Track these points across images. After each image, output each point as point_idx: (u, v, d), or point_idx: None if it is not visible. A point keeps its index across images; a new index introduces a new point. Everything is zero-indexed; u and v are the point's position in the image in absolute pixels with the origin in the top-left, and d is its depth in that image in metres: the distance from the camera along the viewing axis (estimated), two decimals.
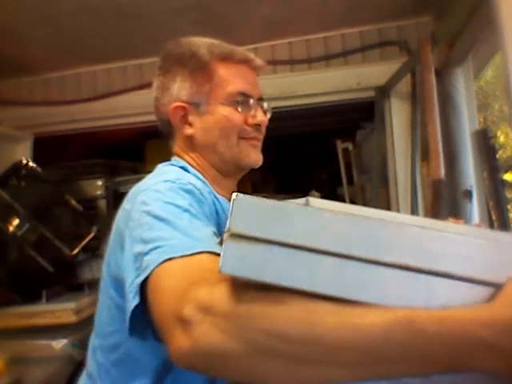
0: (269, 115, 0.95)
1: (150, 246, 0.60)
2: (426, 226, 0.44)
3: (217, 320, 0.46)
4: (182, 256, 0.57)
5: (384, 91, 2.12)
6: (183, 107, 0.86)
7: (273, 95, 2.25)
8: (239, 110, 0.85)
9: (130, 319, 0.61)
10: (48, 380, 1.72)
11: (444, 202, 1.47)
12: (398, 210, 2.09)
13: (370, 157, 2.59)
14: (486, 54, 1.87)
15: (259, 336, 0.44)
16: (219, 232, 0.75)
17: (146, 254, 0.60)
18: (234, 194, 0.44)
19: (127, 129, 2.51)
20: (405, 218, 0.98)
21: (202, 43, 0.87)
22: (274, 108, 2.60)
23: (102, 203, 2.54)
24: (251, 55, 0.89)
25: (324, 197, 3.55)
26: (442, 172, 1.40)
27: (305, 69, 2.27)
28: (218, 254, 0.54)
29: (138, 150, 3.08)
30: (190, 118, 0.86)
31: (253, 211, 0.43)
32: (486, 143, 1.74)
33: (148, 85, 2.74)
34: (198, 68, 0.85)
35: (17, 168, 2.26)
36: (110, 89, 2.37)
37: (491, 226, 1.76)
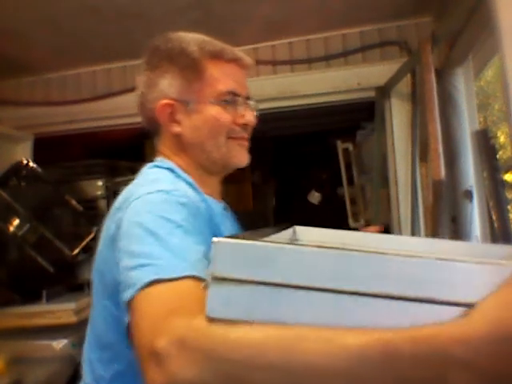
0: (256, 114, 0.93)
1: (138, 261, 0.60)
2: (412, 250, 0.44)
3: (192, 354, 0.45)
4: (167, 279, 0.56)
5: (384, 91, 2.12)
6: (171, 105, 0.84)
7: (273, 95, 2.25)
8: (228, 109, 0.85)
9: (126, 332, 0.60)
10: (48, 380, 1.72)
11: (444, 202, 1.47)
12: (398, 210, 2.09)
13: (370, 157, 2.59)
14: (486, 54, 1.87)
15: (236, 369, 0.43)
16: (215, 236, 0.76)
17: (133, 268, 0.59)
18: (215, 239, 0.44)
19: (127, 129, 2.51)
20: (399, 240, 0.99)
21: (191, 39, 0.86)
22: (273, 108, 2.61)
23: (102, 203, 2.54)
24: (240, 54, 0.88)
25: (324, 197, 3.54)
26: (443, 172, 1.40)
27: (305, 69, 2.27)
28: (203, 279, 0.54)
29: (137, 150, 3.08)
30: (178, 116, 0.85)
31: (234, 254, 0.43)
32: (486, 143, 1.74)
33: None
34: (189, 65, 0.84)
35: (17, 168, 2.26)
36: (109, 89, 2.37)
37: (491, 226, 1.76)
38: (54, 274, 2.01)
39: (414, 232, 1.99)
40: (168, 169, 0.83)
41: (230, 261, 0.43)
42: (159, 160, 0.88)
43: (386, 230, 2.29)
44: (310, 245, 0.44)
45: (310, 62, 2.27)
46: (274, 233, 0.71)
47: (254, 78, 2.30)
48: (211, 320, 0.44)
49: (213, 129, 0.84)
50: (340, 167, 3.13)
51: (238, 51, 0.88)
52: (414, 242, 0.99)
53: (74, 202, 2.22)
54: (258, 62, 2.31)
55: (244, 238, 0.45)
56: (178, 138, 0.86)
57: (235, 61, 0.87)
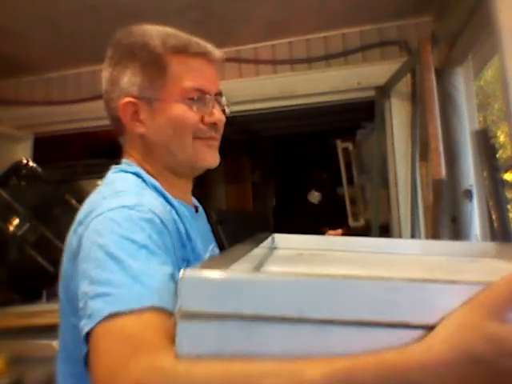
0: (227, 111, 0.87)
1: (97, 289, 0.56)
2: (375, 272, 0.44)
3: None
4: (127, 312, 0.53)
5: (384, 91, 2.12)
6: (134, 103, 0.79)
7: (273, 95, 2.25)
8: (194, 107, 0.79)
9: (85, 362, 0.56)
10: (48, 380, 1.72)
11: (444, 201, 1.47)
12: (397, 210, 2.09)
13: (370, 157, 2.59)
14: (486, 53, 1.87)
15: None
16: (183, 245, 0.72)
17: (92, 298, 0.56)
18: (181, 272, 0.42)
19: None
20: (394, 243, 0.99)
21: (154, 33, 0.79)
22: (273, 108, 2.61)
23: None
24: (209, 47, 0.82)
25: (324, 197, 3.54)
26: (443, 172, 1.40)
27: (305, 69, 2.27)
28: (167, 310, 0.53)
29: None
30: (142, 116, 0.79)
31: (201, 287, 0.42)
32: (486, 143, 1.74)
33: None
34: (150, 61, 0.78)
35: (17, 168, 2.26)
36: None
37: (491, 225, 1.76)
38: (53, 273, 2.01)
39: (413, 231, 1.99)
40: (134, 173, 0.78)
41: (197, 295, 0.42)
42: (125, 163, 0.83)
43: (386, 229, 2.29)
44: (277, 274, 0.43)
45: (309, 61, 2.27)
46: (251, 247, 0.69)
47: (253, 78, 2.30)
48: (180, 357, 0.42)
49: (178, 129, 0.78)
50: (340, 167, 3.13)
51: (207, 44, 0.82)
52: (402, 244, 0.99)
53: (73, 202, 2.22)
54: (258, 62, 2.31)
55: (212, 266, 0.44)
56: (142, 138, 0.81)
57: (202, 55, 0.81)
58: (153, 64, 0.78)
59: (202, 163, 0.83)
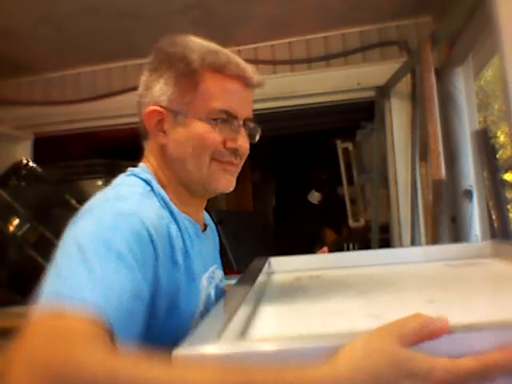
0: (257, 137, 0.87)
1: (56, 282, 0.55)
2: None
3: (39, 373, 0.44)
4: (68, 311, 0.51)
5: (384, 91, 2.12)
6: (160, 112, 0.78)
7: (273, 95, 2.25)
8: (217, 129, 0.77)
9: None
10: None
11: (444, 201, 1.47)
12: (397, 210, 2.09)
13: (369, 157, 2.59)
14: (486, 53, 1.87)
15: None
16: (174, 262, 0.70)
17: (49, 289, 0.55)
18: (174, 352, 0.42)
19: (127, 128, 2.51)
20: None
21: (196, 47, 0.79)
22: (273, 108, 2.60)
23: None
24: (249, 71, 0.80)
25: (324, 197, 3.54)
26: (443, 172, 1.40)
27: (305, 69, 2.27)
28: (107, 326, 0.51)
29: (137, 149, 3.08)
30: (166, 126, 0.79)
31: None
32: (486, 143, 1.74)
33: None
34: (185, 74, 0.77)
35: (17, 168, 2.26)
36: (109, 89, 2.37)
37: (491, 225, 1.76)
38: None
39: (413, 231, 1.99)
40: (145, 180, 0.77)
41: None
42: (141, 167, 0.82)
43: (386, 229, 2.29)
44: (270, 343, 0.43)
45: (309, 61, 2.27)
46: (249, 285, 0.69)
47: None
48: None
49: (197, 147, 0.77)
50: (340, 167, 3.14)
51: (248, 68, 0.80)
52: (396, 254, 1.00)
53: (73, 202, 2.22)
54: (258, 62, 2.31)
55: (202, 337, 0.44)
56: (162, 148, 0.80)
57: (240, 78, 0.79)
58: (187, 77, 0.77)
59: (215, 186, 0.81)
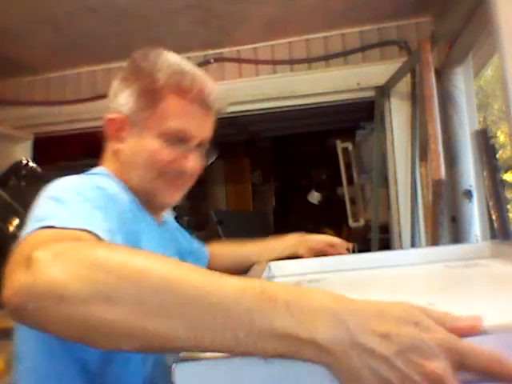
0: (211, 160, 0.90)
1: (36, 219, 0.55)
2: None
3: (66, 262, 0.42)
4: (60, 228, 0.52)
5: (384, 91, 2.12)
6: (121, 120, 0.82)
7: (272, 95, 2.25)
8: (169, 148, 0.79)
9: None
10: None
11: (444, 201, 1.47)
12: (397, 210, 2.09)
13: (369, 157, 2.59)
14: (486, 53, 1.87)
15: (105, 276, 0.41)
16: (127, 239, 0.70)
17: (29, 226, 0.54)
18: (173, 364, 0.41)
19: None
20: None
21: (165, 66, 0.80)
22: (273, 108, 2.60)
23: None
24: (210, 98, 0.82)
25: (324, 197, 3.54)
26: (443, 172, 1.40)
27: (305, 69, 2.27)
28: (95, 233, 0.53)
29: None
30: (123, 134, 0.82)
31: (195, 377, 0.41)
32: (486, 143, 1.74)
33: None
34: (149, 90, 0.80)
35: (17, 168, 2.26)
36: (109, 88, 2.37)
37: (491, 225, 1.76)
38: None
39: (413, 231, 1.99)
40: (105, 175, 0.80)
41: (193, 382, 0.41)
42: (99, 169, 0.85)
43: (386, 229, 2.29)
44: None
45: (309, 61, 2.27)
46: None
47: (253, 78, 2.30)
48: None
49: (146, 162, 0.80)
50: (340, 167, 3.14)
51: (211, 93, 0.82)
52: (393, 256, 1.00)
53: None
54: (258, 62, 2.31)
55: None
56: (117, 154, 0.83)
57: (201, 102, 0.81)
58: (149, 94, 0.80)
59: (158, 200, 0.84)
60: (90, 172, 0.82)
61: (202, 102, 0.81)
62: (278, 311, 0.39)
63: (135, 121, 0.81)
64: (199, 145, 0.84)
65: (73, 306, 0.40)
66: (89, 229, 0.53)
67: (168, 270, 0.42)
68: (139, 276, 0.41)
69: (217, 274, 0.43)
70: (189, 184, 0.87)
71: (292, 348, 0.39)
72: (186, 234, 1.09)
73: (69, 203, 0.59)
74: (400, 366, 0.37)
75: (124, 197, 0.75)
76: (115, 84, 0.86)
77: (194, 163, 0.83)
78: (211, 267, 1.11)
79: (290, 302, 0.40)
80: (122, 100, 0.82)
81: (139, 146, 0.80)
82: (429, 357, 0.37)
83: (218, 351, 0.40)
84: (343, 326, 0.38)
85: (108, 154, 0.86)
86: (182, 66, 0.82)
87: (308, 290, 0.42)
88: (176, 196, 0.85)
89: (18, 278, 0.43)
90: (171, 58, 0.83)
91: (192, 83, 0.80)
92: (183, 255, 1.00)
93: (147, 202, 0.83)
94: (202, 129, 0.83)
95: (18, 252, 0.47)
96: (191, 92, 0.80)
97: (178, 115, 0.80)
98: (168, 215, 1.00)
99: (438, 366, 0.37)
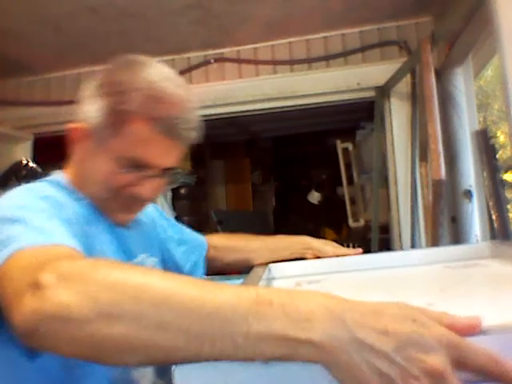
0: (175, 185, 0.88)
1: (1, 247, 0.54)
2: None
3: (69, 284, 0.44)
4: (33, 245, 0.53)
5: (384, 91, 2.12)
6: (83, 130, 0.79)
7: (273, 95, 2.25)
8: (125, 173, 0.75)
9: None
10: None
11: (444, 201, 1.47)
12: (397, 210, 2.09)
13: (369, 157, 2.59)
14: (486, 53, 1.87)
15: (106, 294, 0.42)
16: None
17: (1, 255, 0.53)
18: (173, 366, 0.42)
19: None
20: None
21: (144, 86, 0.73)
22: (273, 108, 2.60)
23: None
24: (184, 127, 0.75)
25: (324, 197, 3.53)
26: (443, 172, 1.40)
27: (305, 69, 2.27)
28: (76, 249, 0.54)
29: None
30: (84, 145, 0.79)
31: (197, 378, 0.42)
32: (486, 143, 1.74)
33: None
34: (119, 110, 0.73)
35: (17, 168, 2.26)
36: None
37: (491, 225, 1.76)
38: None
39: (413, 232, 1.99)
40: (56, 183, 0.79)
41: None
42: (56, 175, 0.84)
43: (386, 229, 2.29)
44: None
45: (309, 61, 2.27)
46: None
47: (253, 78, 2.30)
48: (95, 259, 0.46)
49: (99, 182, 0.77)
50: (340, 167, 3.14)
51: (186, 126, 0.75)
52: (394, 258, 1.00)
53: None
54: (258, 62, 2.31)
55: None
56: (74, 161, 0.83)
57: (171, 133, 0.74)
58: (119, 113, 0.74)
59: (111, 218, 0.81)
60: (41, 180, 0.81)
61: (173, 132, 0.74)
62: (274, 314, 0.40)
63: (97, 136, 0.76)
64: (161, 173, 0.78)
65: (79, 327, 0.42)
66: (63, 242, 0.55)
67: (164, 284, 0.44)
68: (137, 292, 0.42)
69: (212, 283, 0.44)
70: (144, 206, 0.84)
71: (290, 349, 0.39)
72: (174, 224, 1.07)
73: (25, 220, 0.58)
74: (400, 361, 0.37)
75: (70, 202, 0.74)
76: (87, 92, 0.82)
77: (149, 191, 0.78)
78: (213, 259, 1.11)
79: (285, 304, 0.40)
80: (90, 111, 0.78)
81: (95, 164, 0.77)
82: (428, 352, 0.37)
83: (219, 359, 0.40)
84: (340, 323, 0.39)
85: (69, 158, 0.84)
86: (161, 89, 0.74)
87: (303, 291, 0.43)
88: (129, 217, 0.83)
89: (27, 303, 0.44)
90: (152, 76, 0.75)
91: (167, 113, 0.73)
92: (170, 248, 0.99)
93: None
94: (166, 158, 0.77)
95: (16, 276, 0.49)
96: (162, 122, 0.73)
97: (140, 143, 0.74)
98: (147, 211, 0.95)
99: (438, 361, 0.37)
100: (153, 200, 0.84)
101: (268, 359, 0.40)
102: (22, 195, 0.67)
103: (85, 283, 0.44)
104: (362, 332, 0.38)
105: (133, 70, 0.77)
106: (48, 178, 0.82)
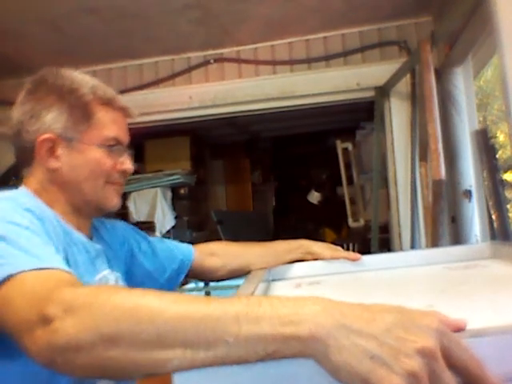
0: (133, 165, 0.96)
1: None
2: None
3: (76, 314, 0.48)
4: (30, 270, 0.56)
5: (384, 91, 2.12)
6: (53, 139, 0.83)
7: (273, 95, 2.25)
8: (110, 154, 0.86)
9: None
10: None
11: (444, 201, 1.47)
12: (397, 210, 2.09)
13: (369, 157, 2.59)
14: (486, 53, 1.87)
15: (106, 320, 0.46)
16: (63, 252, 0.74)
17: None
18: (175, 375, 0.44)
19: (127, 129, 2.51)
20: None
21: (83, 83, 0.87)
22: (273, 108, 2.60)
23: None
24: (126, 104, 0.91)
25: (324, 196, 3.54)
26: (443, 172, 1.40)
27: (305, 69, 2.27)
28: (65, 270, 0.58)
29: (137, 150, 3.08)
30: (58, 152, 0.84)
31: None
32: (485, 143, 1.74)
33: (148, 85, 2.71)
34: (78, 106, 0.84)
35: (17, 168, 2.25)
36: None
37: (491, 225, 1.76)
38: None
39: (413, 232, 1.99)
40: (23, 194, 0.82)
41: None
42: (20, 191, 0.85)
43: (386, 229, 2.29)
44: None
45: (309, 62, 2.27)
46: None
47: (253, 78, 2.30)
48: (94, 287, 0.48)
49: (94, 171, 0.85)
50: (340, 167, 3.14)
51: (121, 98, 0.91)
52: (394, 259, 1.00)
53: None
54: (258, 62, 2.32)
55: None
56: (53, 173, 0.84)
57: (122, 110, 0.90)
58: (80, 109, 0.84)
59: (109, 205, 0.89)
60: (10, 192, 0.82)
61: (121, 108, 0.89)
62: (263, 313, 0.42)
63: (70, 137, 0.84)
64: (127, 147, 0.91)
65: (87, 353, 0.46)
66: (52, 266, 0.58)
67: (159, 301, 0.47)
68: (134, 312, 0.46)
69: (201, 296, 0.47)
70: (124, 185, 0.93)
71: (280, 346, 0.40)
72: (146, 238, 1.07)
73: (11, 238, 0.61)
74: (390, 341, 0.37)
75: (49, 214, 0.79)
76: (27, 107, 0.89)
77: (129, 163, 0.91)
78: (215, 266, 1.10)
79: (273, 304, 0.43)
80: (50, 120, 0.84)
81: (83, 159, 0.85)
82: (418, 334, 0.37)
83: (213, 364, 0.42)
84: (327, 314, 0.40)
85: (33, 176, 0.87)
86: (92, 81, 0.89)
87: (291, 296, 0.45)
88: (118, 199, 0.92)
89: (40, 336, 0.49)
90: (78, 75, 0.90)
91: (113, 94, 0.89)
92: (143, 262, 1.02)
93: (95, 210, 0.89)
94: (126, 133, 0.92)
95: (22, 306, 0.53)
96: (114, 101, 0.88)
97: (110, 123, 0.87)
98: (112, 226, 1.01)
99: (430, 341, 0.37)
100: (130, 173, 0.93)
101: (261, 358, 0.41)
102: (4, 207, 0.69)
103: (88, 312, 0.47)
104: (349, 320, 0.39)
105: (64, 74, 0.90)
106: (15, 191, 0.84)
